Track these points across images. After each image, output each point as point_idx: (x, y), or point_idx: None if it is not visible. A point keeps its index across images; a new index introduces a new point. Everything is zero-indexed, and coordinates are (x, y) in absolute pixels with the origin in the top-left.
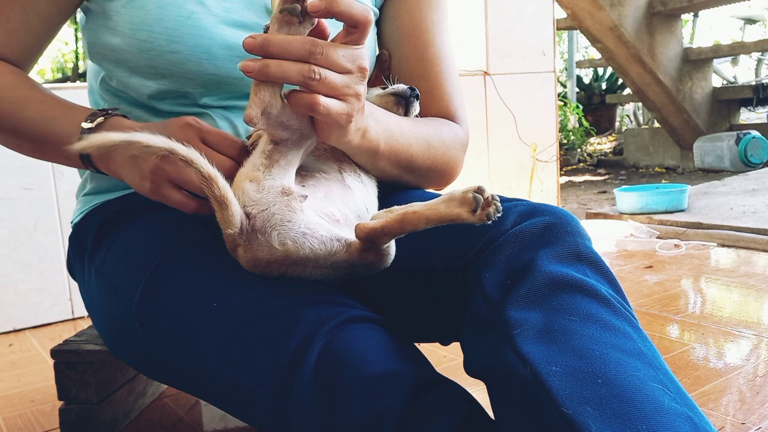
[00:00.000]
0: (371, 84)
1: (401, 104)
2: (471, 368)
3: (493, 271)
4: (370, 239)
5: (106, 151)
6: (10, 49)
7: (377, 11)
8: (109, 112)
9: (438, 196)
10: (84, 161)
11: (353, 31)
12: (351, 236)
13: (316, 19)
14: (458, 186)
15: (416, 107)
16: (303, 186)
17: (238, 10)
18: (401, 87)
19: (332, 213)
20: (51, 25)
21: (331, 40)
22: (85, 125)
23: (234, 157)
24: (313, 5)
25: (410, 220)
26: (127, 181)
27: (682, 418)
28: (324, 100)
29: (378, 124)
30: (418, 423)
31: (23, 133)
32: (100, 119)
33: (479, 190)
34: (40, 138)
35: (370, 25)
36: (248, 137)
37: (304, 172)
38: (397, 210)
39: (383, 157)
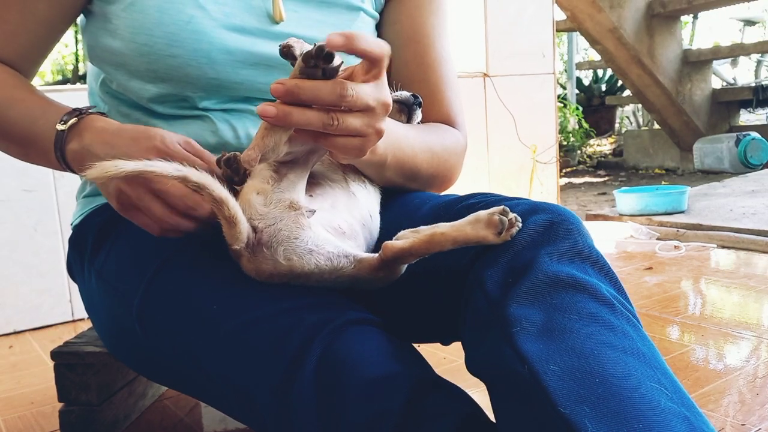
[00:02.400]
0: None
1: (404, 111)
2: (472, 367)
3: (494, 270)
4: (397, 259)
5: (119, 177)
6: (8, 51)
7: (377, 15)
8: (83, 111)
9: (438, 197)
10: (62, 164)
11: (372, 67)
12: (358, 251)
13: (340, 72)
14: (457, 188)
15: (418, 115)
16: (311, 196)
17: (238, 15)
18: (404, 94)
19: (339, 225)
20: (51, 29)
21: (352, 74)
22: (59, 127)
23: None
24: (333, 42)
25: (437, 242)
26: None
27: (678, 418)
28: (339, 141)
29: (387, 138)
30: (418, 425)
31: (8, 134)
32: (73, 120)
33: (504, 212)
34: (23, 140)
35: (388, 59)
36: (219, 160)
37: (310, 180)
38: (424, 231)
39: (389, 169)
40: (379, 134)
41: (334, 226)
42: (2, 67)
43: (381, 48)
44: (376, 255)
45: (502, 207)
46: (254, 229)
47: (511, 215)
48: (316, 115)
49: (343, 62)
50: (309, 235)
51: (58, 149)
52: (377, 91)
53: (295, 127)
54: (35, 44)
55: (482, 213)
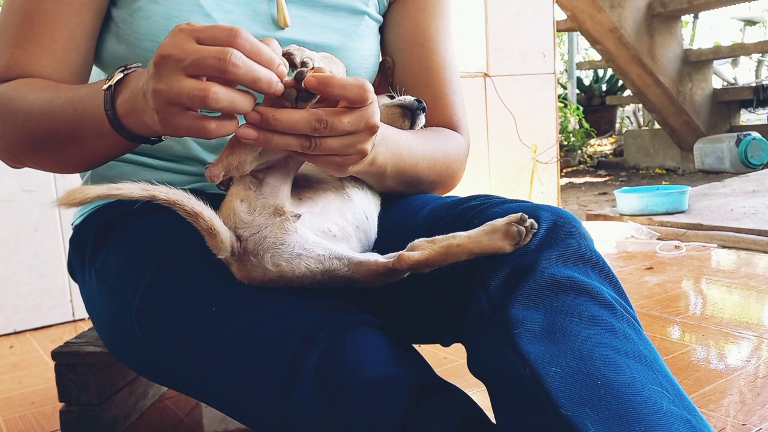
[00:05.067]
0: (375, 91)
1: (407, 116)
2: (474, 368)
3: (496, 271)
4: (411, 269)
5: (87, 201)
6: (60, 70)
7: (381, 19)
8: (129, 67)
9: (439, 198)
10: (116, 128)
11: (354, 108)
12: (353, 254)
13: (315, 98)
14: (458, 187)
15: (422, 120)
16: (300, 199)
17: (244, 22)
18: (408, 99)
19: (329, 228)
20: (95, 40)
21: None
22: (104, 87)
23: (230, 43)
24: (308, 83)
25: (454, 253)
26: (153, 127)
27: (680, 421)
28: (319, 159)
29: (388, 150)
30: (418, 427)
31: (59, 127)
32: (118, 76)
33: (521, 221)
34: (74, 124)
35: (368, 99)
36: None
37: (301, 183)
38: (440, 242)
39: (389, 178)
40: (362, 154)
41: (323, 229)
42: (43, 80)
43: (359, 92)
44: (382, 261)
45: (519, 215)
46: (239, 237)
47: (528, 222)
48: (294, 139)
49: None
50: (295, 240)
51: (108, 109)
52: (359, 118)
53: (275, 148)
54: (86, 58)
55: (499, 223)
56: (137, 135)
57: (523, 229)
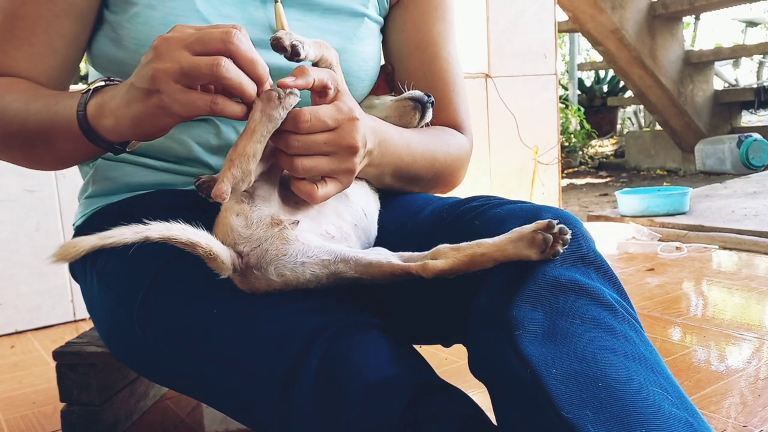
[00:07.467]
0: (374, 93)
1: (418, 109)
2: (475, 368)
3: (498, 272)
4: (436, 277)
5: (81, 254)
6: (37, 72)
7: (381, 21)
8: (111, 79)
9: (440, 198)
10: (86, 133)
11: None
12: (361, 254)
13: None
14: (458, 188)
15: (430, 114)
16: (295, 203)
17: None
18: (417, 92)
19: (326, 231)
20: (77, 45)
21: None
22: (84, 91)
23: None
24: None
25: (478, 262)
26: (136, 125)
27: (681, 423)
28: (304, 161)
29: (386, 150)
30: (418, 428)
31: (31, 128)
32: (99, 83)
33: (549, 227)
34: (45, 125)
35: (332, 86)
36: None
37: None
38: (464, 249)
39: (388, 176)
40: (352, 149)
41: (320, 232)
42: (26, 81)
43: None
44: (399, 264)
45: (547, 222)
46: (240, 253)
47: (557, 228)
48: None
49: (300, 99)
50: (298, 248)
51: (80, 110)
52: (338, 111)
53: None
54: (63, 63)
55: (525, 230)
56: (103, 139)
57: (550, 237)
